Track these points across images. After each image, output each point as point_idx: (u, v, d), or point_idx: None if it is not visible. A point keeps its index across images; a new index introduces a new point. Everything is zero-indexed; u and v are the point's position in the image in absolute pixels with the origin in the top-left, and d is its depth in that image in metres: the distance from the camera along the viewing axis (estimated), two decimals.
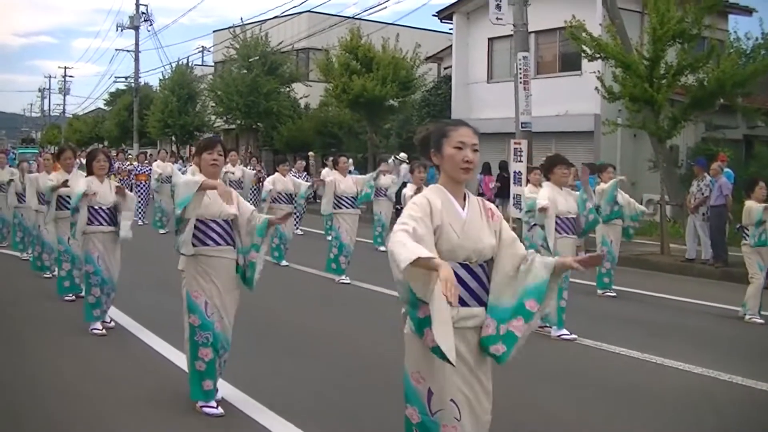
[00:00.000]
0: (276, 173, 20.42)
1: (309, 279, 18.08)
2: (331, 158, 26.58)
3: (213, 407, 8.09)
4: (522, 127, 25.34)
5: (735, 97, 25.41)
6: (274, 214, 19.37)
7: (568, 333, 12.28)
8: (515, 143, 25.50)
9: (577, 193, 13.05)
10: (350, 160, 27.09)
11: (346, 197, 17.57)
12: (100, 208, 11.83)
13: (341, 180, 17.78)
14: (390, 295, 15.43)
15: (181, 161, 36.00)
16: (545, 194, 12.62)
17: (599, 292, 16.53)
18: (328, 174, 21.59)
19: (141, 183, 29.29)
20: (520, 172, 25.12)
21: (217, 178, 8.37)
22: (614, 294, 16.46)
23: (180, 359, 9.27)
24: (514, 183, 25.51)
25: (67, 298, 13.91)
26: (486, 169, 30.91)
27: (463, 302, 5.23)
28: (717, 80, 23.56)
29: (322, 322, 13.32)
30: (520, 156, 25.08)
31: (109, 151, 13.91)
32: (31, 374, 9.54)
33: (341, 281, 17.04)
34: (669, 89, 23.81)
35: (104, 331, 11.63)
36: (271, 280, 16.40)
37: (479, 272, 5.44)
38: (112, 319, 12.13)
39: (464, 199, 5.51)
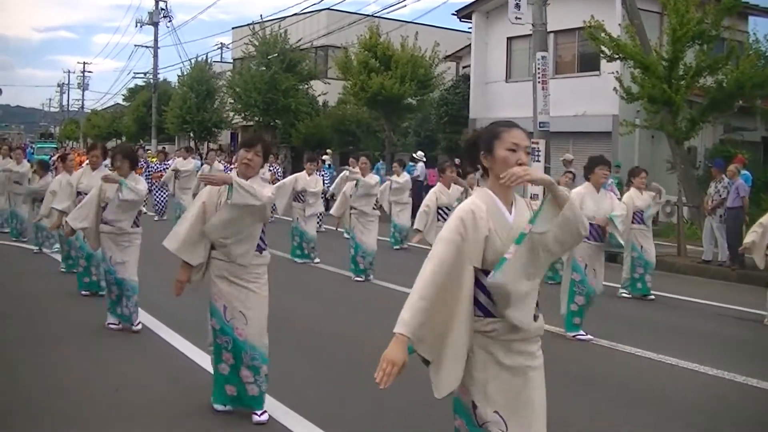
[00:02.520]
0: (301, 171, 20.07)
1: (331, 278, 17.95)
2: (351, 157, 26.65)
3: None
4: (540, 127, 25.34)
5: (754, 98, 25.40)
6: (297, 214, 19.38)
7: (584, 333, 12.25)
8: (533, 143, 25.40)
9: (611, 195, 13.07)
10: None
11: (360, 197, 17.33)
12: (107, 205, 11.53)
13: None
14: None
15: (199, 158, 35.94)
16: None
17: (624, 293, 16.71)
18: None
19: (158, 181, 28.95)
20: None
21: (250, 177, 7.81)
22: (653, 297, 16.43)
23: (203, 359, 9.30)
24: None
25: (84, 292, 13.96)
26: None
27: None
28: (736, 82, 23.55)
29: (341, 321, 13.32)
30: (538, 156, 25.08)
31: (132, 148, 13.39)
32: (52, 375, 9.40)
33: (356, 279, 16.98)
34: (687, 90, 23.81)
35: (120, 325, 11.58)
36: (291, 278, 16.55)
37: None
38: (140, 322, 11.67)
39: (512, 204, 5.18)
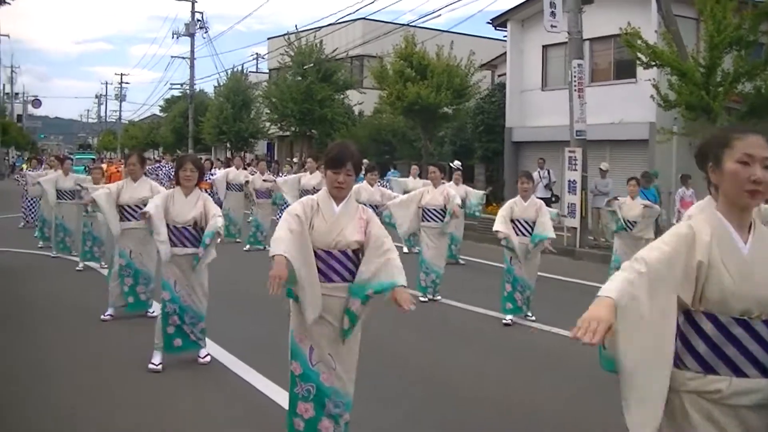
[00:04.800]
0: (363, 182, 18.90)
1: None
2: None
3: None
4: (576, 135, 25.29)
5: None
6: None
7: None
8: (570, 151, 25.46)
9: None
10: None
11: (429, 210, 16.17)
12: (175, 226, 10.37)
13: (429, 191, 16.36)
14: (463, 309, 15.54)
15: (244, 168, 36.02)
16: None
17: None
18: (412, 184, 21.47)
19: (204, 191, 28.61)
20: (574, 180, 25.09)
21: (345, 198, 6.79)
22: None
23: (275, 393, 8.97)
24: (569, 191, 25.45)
25: (104, 317, 13.11)
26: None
27: (737, 369, 4.00)
28: None
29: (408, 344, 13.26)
30: (575, 164, 25.01)
31: (198, 158, 12.32)
32: (104, 416, 8.86)
33: (420, 299, 15.53)
34: (726, 97, 23.66)
35: (160, 367, 10.12)
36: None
37: (762, 331, 4.02)
38: (208, 354, 10.70)
39: (749, 231, 4.21)
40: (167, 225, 10.39)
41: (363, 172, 23.12)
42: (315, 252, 6.60)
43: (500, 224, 14.03)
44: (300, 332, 6.67)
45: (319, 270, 6.59)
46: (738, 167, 4.06)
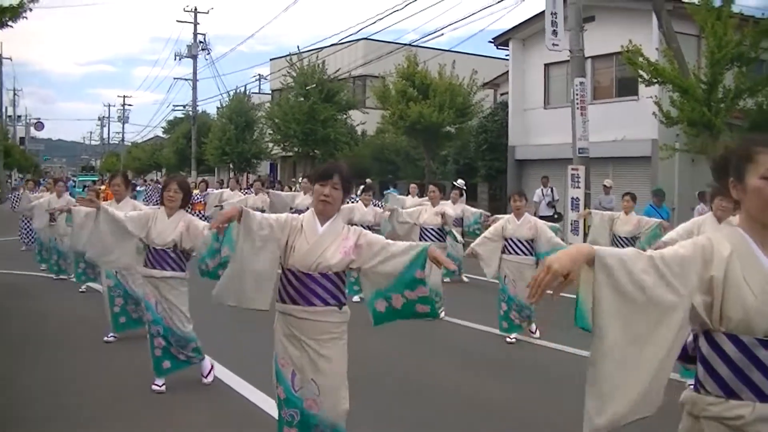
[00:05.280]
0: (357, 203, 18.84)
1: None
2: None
3: None
4: (579, 153, 25.35)
5: None
6: None
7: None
8: (572, 169, 25.51)
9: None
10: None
11: (427, 229, 16.15)
12: (154, 248, 10.10)
13: (426, 210, 16.47)
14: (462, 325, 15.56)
15: (240, 189, 35.92)
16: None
17: None
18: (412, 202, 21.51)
19: (198, 213, 28.36)
20: (577, 197, 25.13)
21: (333, 214, 6.61)
22: None
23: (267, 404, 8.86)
24: (572, 209, 25.49)
25: (107, 338, 12.94)
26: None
27: (761, 394, 3.72)
28: None
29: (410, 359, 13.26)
30: (578, 182, 25.05)
31: (185, 179, 11.80)
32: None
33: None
34: (727, 113, 23.71)
35: (163, 388, 9.95)
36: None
37: None
38: (211, 371, 10.49)
39: None
40: (147, 246, 10.22)
41: (358, 192, 23.03)
42: (294, 274, 6.45)
43: (477, 243, 14.44)
44: (282, 357, 6.54)
45: (299, 293, 6.43)
46: (762, 183, 3.77)
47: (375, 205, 19.84)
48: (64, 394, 9.95)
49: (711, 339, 3.82)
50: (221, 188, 30.61)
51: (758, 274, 3.74)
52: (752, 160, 3.80)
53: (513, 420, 9.47)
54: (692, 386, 3.96)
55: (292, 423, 6.45)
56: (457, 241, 17.84)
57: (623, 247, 16.86)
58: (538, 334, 14.11)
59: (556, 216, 29.71)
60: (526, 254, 13.97)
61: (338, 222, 6.66)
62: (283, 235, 6.46)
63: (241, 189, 33.04)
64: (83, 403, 9.55)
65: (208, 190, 30.44)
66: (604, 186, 27.33)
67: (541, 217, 20.72)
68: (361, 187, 27.91)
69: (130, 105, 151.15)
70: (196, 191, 31.39)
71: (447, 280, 20.48)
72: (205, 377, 10.39)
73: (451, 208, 18.63)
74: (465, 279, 21.60)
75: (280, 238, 6.45)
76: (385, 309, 6.46)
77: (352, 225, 6.76)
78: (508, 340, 13.88)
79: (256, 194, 25.31)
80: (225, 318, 13.53)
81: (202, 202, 28.45)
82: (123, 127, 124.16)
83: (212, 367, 10.55)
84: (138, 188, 39.23)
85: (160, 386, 9.97)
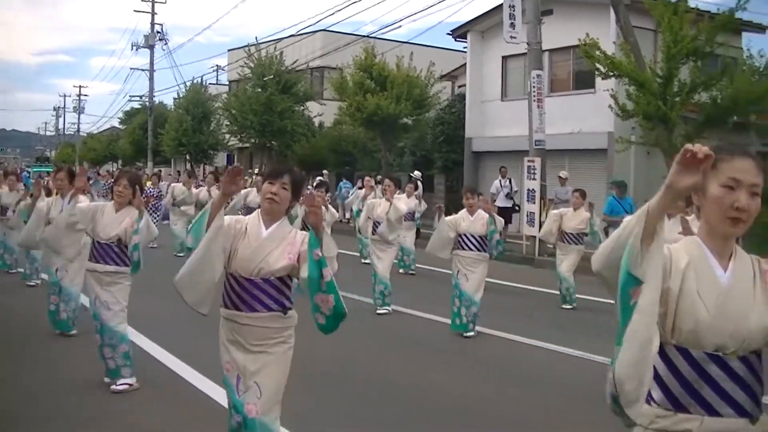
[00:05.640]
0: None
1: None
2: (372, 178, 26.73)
3: None
4: (536, 145, 25.50)
5: (748, 114, 25.44)
6: None
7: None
8: (529, 161, 25.67)
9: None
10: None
11: (379, 223, 16.29)
12: (98, 242, 9.97)
13: (380, 203, 16.61)
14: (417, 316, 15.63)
15: (195, 180, 35.66)
16: None
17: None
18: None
19: (150, 205, 27.80)
20: (533, 189, 25.28)
21: (279, 217, 6.47)
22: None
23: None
24: (528, 201, 25.64)
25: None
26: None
27: (710, 409, 3.72)
28: (730, 98, 23.61)
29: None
30: (534, 174, 25.20)
31: (137, 174, 11.46)
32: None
33: (379, 312, 15.89)
34: (682, 107, 23.87)
35: (120, 388, 9.76)
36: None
37: (739, 369, 3.75)
38: (134, 377, 9.98)
39: (730, 259, 3.88)
40: (92, 240, 10.12)
41: (313, 186, 22.92)
42: (236, 279, 6.32)
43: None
44: (227, 361, 6.41)
45: (241, 299, 6.30)
46: (722, 192, 3.73)
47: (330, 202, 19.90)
48: (14, 391, 10.01)
49: (663, 352, 3.78)
50: (177, 181, 30.11)
51: (712, 288, 3.73)
52: (714, 167, 3.71)
53: (471, 413, 9.54)
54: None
55: (239, 430, 6.32)
56: None
57: (570, 243, 17.07)
58: (473, 333, 14.00)
59: (516, 208, 29.83)
60: (479, 250, 14.04)
61: (284, 225, 6.51)
62: (227, 240, 6.30)
63: (196, 180, 32.88)
64: (33, 400, 9.54)
65: (161, 183, 30.33)
66: (560, 177, 27.49)
67: (500, 209, 20.86)
68: (318, 179, 27.91)
69: (86, 95, 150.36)
70: (148, 184, 31.24)
71: (401, 271, 20.65)
72: (117, 385, 9.83)
73: (405, 201, 18.76)
74: (412, 272, 21.79)
75: (226, 247, 6.30)
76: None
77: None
78: (465, 333, 13.91)
79: (208, 188, 25.14)
80: (183, 316, 13.50)
81: (155, 195, 28.33)
82: (79, 118, 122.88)
83: (131, 385, 9.92)
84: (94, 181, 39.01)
85: (117, 386, 9.81)
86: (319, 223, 6.08)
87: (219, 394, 9.25)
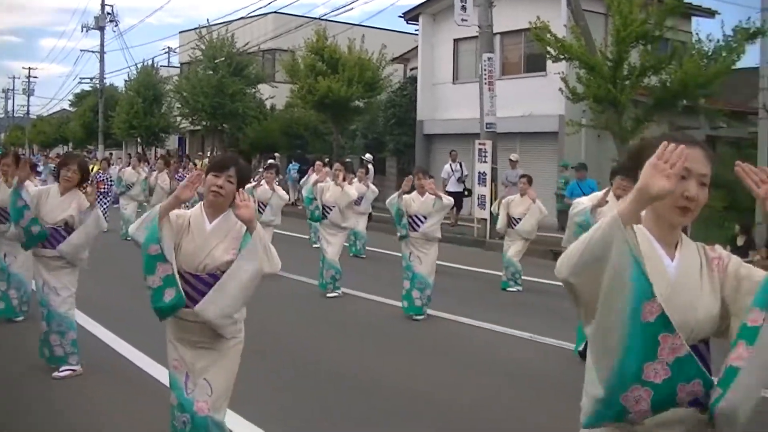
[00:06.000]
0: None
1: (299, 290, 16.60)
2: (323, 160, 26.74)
3: None
4: (487, 128, 25.56)
5: (697, 98, 25.60)
6: None
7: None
8: (480, 144, 25.72)
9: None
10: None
11: (329, 207, 16.16)
12: (45, 225, 9.71)
13: (329, 188, 16.40)
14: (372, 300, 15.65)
15: (147, 165, 35.31)
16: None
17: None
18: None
19: (100, 190, 27.58)
20: (484, 172, 25.34)
21: (223, 210, 6.26)
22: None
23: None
24: (479, 183, 25.70)
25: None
26: (424, 171, 30.92)
27: None
28: (680, 81, 23.72)
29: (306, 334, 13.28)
30: (485, 156, 25.26)
31: (85, 160, 11.13)
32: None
33: (329, 295, 15.83)
34: (632, 90, 24.01)
35: (64, 374, 9.62)
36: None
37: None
38: (80, 364, 9.80)
39: (676, 248, 3.84)
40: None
41: (261, 169, 22.70)
42: (182, 275, 6.06)
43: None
44: (175, 359, 6.25)
45: (188, 295, 6.02)
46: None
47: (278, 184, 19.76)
48: None
49: None
50: (129, 165, 29.58)
51: (660, 279, 3.62)
52: None
53: (420, 397, 9.57)
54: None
55: (185, 430, 6.11)
56: None
57: (514, 226, 17.03)
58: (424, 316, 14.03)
59: (466, 192, 29.88)
60: (416, 230, 14.04)
61: (229, 218, 6.26)
62: (172, 234, 6.12)
63: (147, 164, 32.57)
64: None
65: (110, 168, 30.00)
66: (510, 160, 27.61)
67: (450, 193, 20.88)
68: (268, 161, 27.83)
69: (35, 77, 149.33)
70: (96, 168, 30.82)
71: (351, 255, 20.62)
72: (60, 371, 9.67)
73: (356, 187, 18.75)
74: (363, 256, 21.77)
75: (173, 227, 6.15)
76: None
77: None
78: (414, 317, 13.90)
79: (158, 172, 24.99)
80: (133, 298, 13.47)
81: (104, 180, 28.00)
82: (28, 100, 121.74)
83: (74, 371, 9.76)
84: (40, 166, 38.70)
85: (60, 372, 9.68)
86: (252, 218, 6.00)
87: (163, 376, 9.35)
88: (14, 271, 12.42)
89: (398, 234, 14.10)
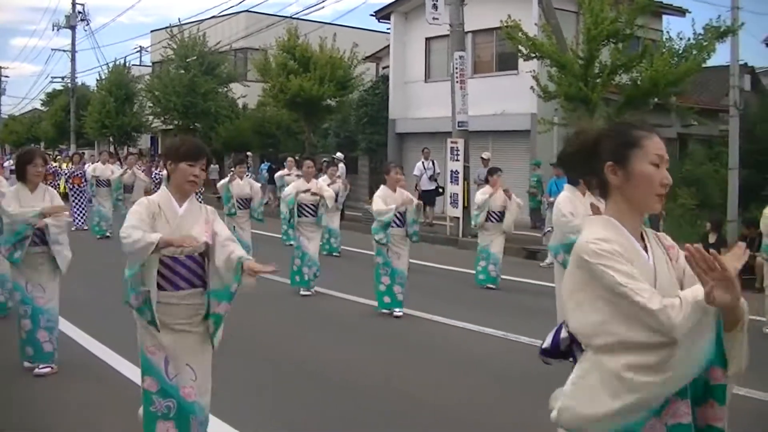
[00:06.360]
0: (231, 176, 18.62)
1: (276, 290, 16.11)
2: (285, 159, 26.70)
3: None
4: (459, 126, 25.59)
5: (668, 96, 25.72)
6: (234, 223, 17.70)
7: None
8: (452, 142, 25.75)
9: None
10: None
11: (306, 205, 16.11)
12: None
13: (304, 186, 16.32)
14: (356, 302, 15.65)
15: (119, 163, 35.24)
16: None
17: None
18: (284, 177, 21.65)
19: (76, 186, 27.74)
20: (457, 170, 25.38)
21: (189, 195, 6.42)
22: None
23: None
24: (451, 182, 25.73)
25: None
26: (401, 167, 30.95)
27: None
28: (650, 79, 23.82)
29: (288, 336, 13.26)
30: (457, 155, 25.29)
31: (44, 152, 11.13)
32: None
33: (303, 293, 15.88)
34: (604, 88, 24.12)
35: (45, 370, 9.66)
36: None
37: None
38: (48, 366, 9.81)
39: (642, 239, 3.83)
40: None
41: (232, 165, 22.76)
42: (161, 260, 6.15)
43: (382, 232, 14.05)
44: (151, 344, 6.22)
45: (165, 278, 6.20)
46: (652, 170, 3.69)
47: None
48: None
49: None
50: (96, 162, 29.44)
51: (644, 271, 3.61)
52: (638, 146, 3.71)
53: (395, 394, 9.58)
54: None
55: (169, 415, 6.16)
56: None
57: (496, 221, 17.04)
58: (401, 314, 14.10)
59: (439, 191, 29.91)
60: (400, 226, 14.13)
61: (194, 200, 6.50)
62: (149, 226, 6.18)
63: (118, 161, 32.53)
64: None
65: (86, 165, 29.87)
66: (482, 158, 27.65)
67: (423, 191, 20.89)
68: (240, 157, 27.76)
69: (6, 76, 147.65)
70: (68, 165, 30.74)
71: (324, 253, 20.56)
72: (40, 368, 9.71)
73: (329, 185, 18.77)
74: (336, 254, 21.75)
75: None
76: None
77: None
78: (396, 313, 13.96)
79: (129, 167, 25.02)
80: (106, 297, 13.45)
81: (79, 176, 27.88)
82: None
83: (53, 368, 9.82)
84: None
85: (41, 368, 9.70)
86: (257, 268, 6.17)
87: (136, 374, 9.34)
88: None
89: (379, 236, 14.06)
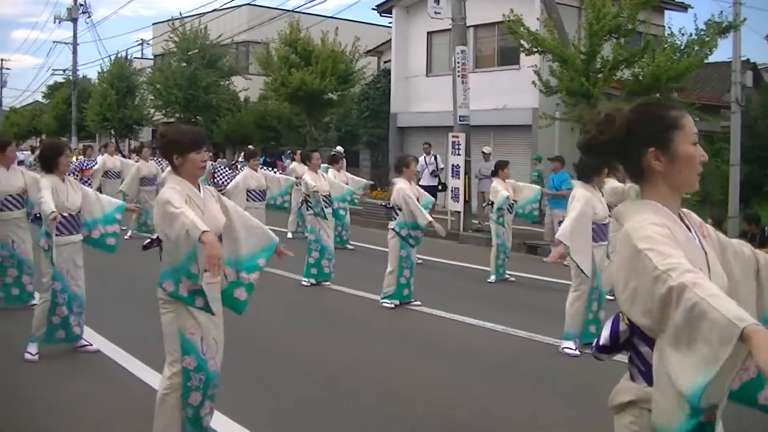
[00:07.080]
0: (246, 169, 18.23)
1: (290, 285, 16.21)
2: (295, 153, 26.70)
3: None
4: (460, 121, 25.54)
5: (670, 91, 25.72)
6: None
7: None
8: (453, 136, 25.70)
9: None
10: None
11: (323, 198, 16.08)
12: (62, 214, 9.62)
13: (316, 178, 16.39)
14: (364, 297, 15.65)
15: (120, 155, 35.15)
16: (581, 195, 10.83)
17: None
18: (297, 169, 21.61)
19: (86, 179, 27.58)
20: (458, 165, 25.35)
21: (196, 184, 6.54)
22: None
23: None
24: (453, 176, 25.72)
25: None
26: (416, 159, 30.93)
27: None
28: (652, 75, 23.84)
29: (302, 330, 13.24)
30: (459, 149, 25.28)
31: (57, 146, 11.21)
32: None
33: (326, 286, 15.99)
34: (605, 83, 24.14)
35: (36, 357, 9.82)
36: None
37: None
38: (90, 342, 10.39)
39: (681, 219, 3.70)
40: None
41: (243, 158, 22.86)
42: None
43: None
44: (191, 325, 6.40)
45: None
46: (693, 149, 3.58)
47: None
48: None
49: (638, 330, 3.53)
50: (104, 154, 29.46)
51: (698, 255, 3.52)
52: (678, 127, 3.58)
53: (398, 389, 9.57)
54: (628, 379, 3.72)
55: (199, 387, 6.49)
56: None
57: (510, 213, 17.12)
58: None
59: (440, 187, 29.80)
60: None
61: (202, 186, 6.67)
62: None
63: (120, 153, 32.50)
64: None
65: (97, 158, 29.80)
66: (483, 153, 27.60)
67: (424, 187, 20.86)
68: (249, 148, 27.71)
69: (8, 69, 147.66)
70: (80, 157, 30.70)
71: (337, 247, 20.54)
72: (81, 347, 10.30)
73: (335, 176, 18.76)
74: (350, 247, 21.72)
75: None
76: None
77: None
78: (386, 305, 13.99)
79: (137, 158, 25.05)
80: (113, 293, 13.43)
81: (89, 168, 27.80)
82: (1, 92, 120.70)
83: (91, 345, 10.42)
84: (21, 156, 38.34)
85: (33, 355, 9.86)
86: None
87: (142, 371, 9.41)
88: (24, 257, 12.41)
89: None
